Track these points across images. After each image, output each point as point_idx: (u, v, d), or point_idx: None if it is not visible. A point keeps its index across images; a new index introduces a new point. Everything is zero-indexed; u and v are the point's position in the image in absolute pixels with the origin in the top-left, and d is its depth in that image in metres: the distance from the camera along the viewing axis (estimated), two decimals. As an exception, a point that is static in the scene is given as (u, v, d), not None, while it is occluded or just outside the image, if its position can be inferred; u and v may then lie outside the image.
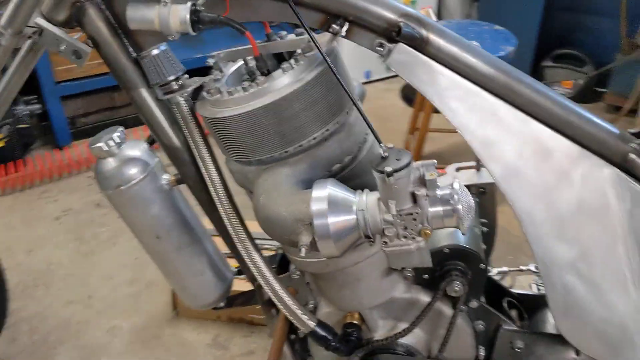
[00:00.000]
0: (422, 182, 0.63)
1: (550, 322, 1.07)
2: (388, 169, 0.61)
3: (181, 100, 0.84)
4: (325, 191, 0.65)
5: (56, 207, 2.48)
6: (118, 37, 0.82)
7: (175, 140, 0.90)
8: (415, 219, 0.64)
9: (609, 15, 2.96)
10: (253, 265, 0.90)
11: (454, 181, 0.66)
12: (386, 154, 0.64)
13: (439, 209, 0.65)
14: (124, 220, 0.98)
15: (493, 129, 0.77)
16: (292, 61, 0.74)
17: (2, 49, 0.76)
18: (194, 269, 1.02)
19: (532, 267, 1.24)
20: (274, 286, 0.90)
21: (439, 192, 0.65)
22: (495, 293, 1.05)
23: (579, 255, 0.82)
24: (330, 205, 0.64)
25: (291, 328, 1.06)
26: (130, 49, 0.84)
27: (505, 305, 1.04)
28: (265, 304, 1.08)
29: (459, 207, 0.64)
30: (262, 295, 1.08)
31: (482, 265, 0.86)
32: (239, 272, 1.19)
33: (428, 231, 0.63)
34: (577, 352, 0.93)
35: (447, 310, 0.96)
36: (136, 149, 0.95)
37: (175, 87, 0.83)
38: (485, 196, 1.02)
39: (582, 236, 0.82)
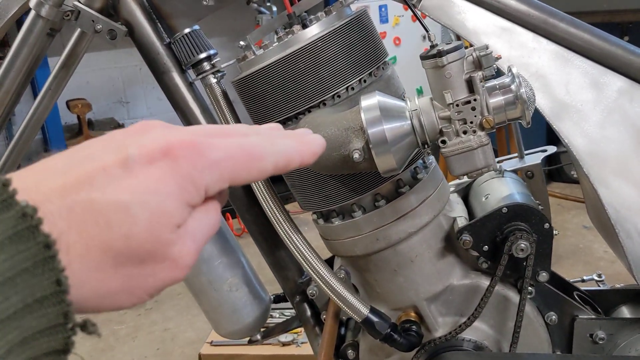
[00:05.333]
0: (477, 66, 0.59)
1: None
2: (439, 48, 0.58)
3: (214, 81, 0.84)
4: (375, 99, 0.61)
5: (71, 313, 2.37)
6: (153, 21, 0.84)
7: (208, 129, 0.88)
8: (474, 108, 0.59)
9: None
10: (298, 253, 0.83)
11: (511, 67, 0.62)
12: (435, 42, 0.61)
13: (500, 98, 0.60)
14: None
15: (536, 64, 0.75)
16: (323, 13, 0.75)
17: (41, 22, 0.77)
18: (228, 282, 0.94)
19: (594, 277, 1.13)
20: (322, 272, 0.82)
21: (496, 81, 0.61)
22: (563, 288, 0.95)
23: (652, 194, 0.75)
24: (382, 111, 0.60)
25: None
26: (164, 35, 0.86)
27: (577, 298, 0.93)
28: (306, 321, 0.98)
29: (522, 91, 0.59)
30: (303, 312, 0.98)
31: (547, 225, 0.78)
32: (277, 299, 1.09)
33: (490, 118, 0.58)
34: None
35: (513, 296, 0.86)
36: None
37: (207, 67, 0.84)
38: (534, 179, 0.97)
39: (651, 173, 0.75)
